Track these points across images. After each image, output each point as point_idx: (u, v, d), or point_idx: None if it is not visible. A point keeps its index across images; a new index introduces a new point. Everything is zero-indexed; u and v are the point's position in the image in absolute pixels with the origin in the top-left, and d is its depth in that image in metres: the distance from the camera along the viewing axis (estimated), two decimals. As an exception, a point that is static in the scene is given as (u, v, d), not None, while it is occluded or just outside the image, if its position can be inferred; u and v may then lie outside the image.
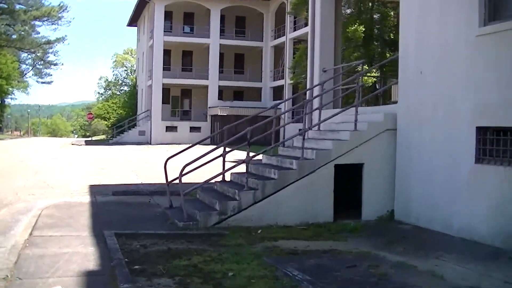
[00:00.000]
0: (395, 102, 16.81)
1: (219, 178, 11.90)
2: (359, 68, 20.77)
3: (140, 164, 23.71)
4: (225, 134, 11.86)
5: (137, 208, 12.11)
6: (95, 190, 14.96)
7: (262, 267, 7.29)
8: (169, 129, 48.22)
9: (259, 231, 9.71)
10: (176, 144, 44.95)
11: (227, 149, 11.65)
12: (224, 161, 11.77)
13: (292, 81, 28.02)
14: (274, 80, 50.13)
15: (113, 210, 11.86)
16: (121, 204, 12.62)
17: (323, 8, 14.86)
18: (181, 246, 8.60)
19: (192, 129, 48.59)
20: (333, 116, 11.55)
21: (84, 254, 7.95)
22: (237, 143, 11.78)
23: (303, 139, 10.84)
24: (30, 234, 9.11)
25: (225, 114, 46.18)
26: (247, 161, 10.49)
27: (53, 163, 24.63)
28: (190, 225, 9.94)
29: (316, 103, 14.72)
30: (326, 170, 10.81)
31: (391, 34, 25.39)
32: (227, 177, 12.17)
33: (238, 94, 52.62)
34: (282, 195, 10.46)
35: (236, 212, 10.17)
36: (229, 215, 10.12)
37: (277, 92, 49.78)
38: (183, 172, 10.62)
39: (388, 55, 23.45)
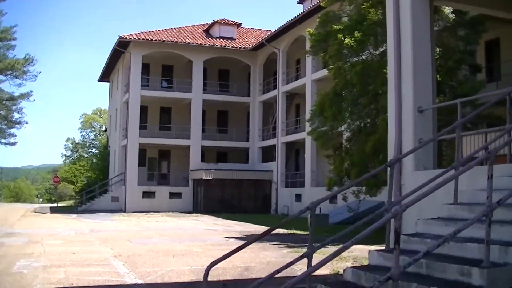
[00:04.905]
0: None
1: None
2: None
3: (123, 245, 17.92)
4: (315, 212, 6.55)
5: None
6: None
7: None
8: (146, 195, 42.44)
9: None
10: (155, 212, 39.36)
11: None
12: (310, 266, 6.50)
13: (311, 135, 22.72)
14: (263, 140, 45.15)
15: None
16: None
17: (415, 21, 10.08)
18: None
19: (172, 195, 43.13)
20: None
21: None
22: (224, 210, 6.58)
23: (489, 225, 5.60)
24: None
25: (210, 178, 40.86)
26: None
27: (4, 242, 18.71)
28: None
29: (408, 163, 9.76)
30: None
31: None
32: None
33: (222, 156, 47.55)
34: None
35: None
36: None
37: (267, 153, 44.83)
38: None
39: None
